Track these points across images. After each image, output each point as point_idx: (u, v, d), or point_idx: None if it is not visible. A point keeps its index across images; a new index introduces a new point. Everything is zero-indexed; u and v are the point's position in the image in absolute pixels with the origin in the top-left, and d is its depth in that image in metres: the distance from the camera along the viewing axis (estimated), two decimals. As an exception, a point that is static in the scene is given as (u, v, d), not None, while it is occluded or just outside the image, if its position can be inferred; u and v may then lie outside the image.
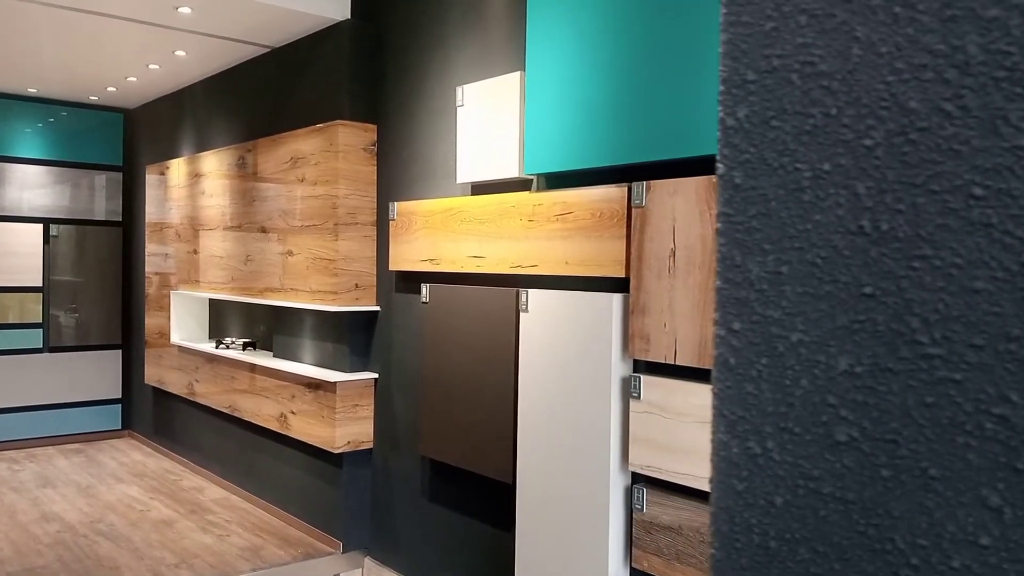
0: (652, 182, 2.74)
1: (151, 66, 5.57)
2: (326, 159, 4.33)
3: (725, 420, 0.49)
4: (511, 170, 3.35)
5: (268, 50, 5.05)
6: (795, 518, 0.46)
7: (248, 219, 5.13)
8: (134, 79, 5.99)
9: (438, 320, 3.71)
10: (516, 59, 3.40)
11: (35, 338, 6.85)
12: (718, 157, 0.50)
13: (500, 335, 3.37)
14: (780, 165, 0.47)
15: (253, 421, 5.06)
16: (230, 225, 5.36)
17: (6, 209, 6.72)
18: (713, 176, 2.60)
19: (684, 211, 2.64)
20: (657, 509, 2.80)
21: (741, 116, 0.49)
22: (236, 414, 5.25)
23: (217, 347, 5.48)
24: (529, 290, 3.22)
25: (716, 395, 0.50)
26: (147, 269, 6.67)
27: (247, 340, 5.41)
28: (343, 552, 4.41)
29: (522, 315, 3.25)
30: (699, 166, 2.69)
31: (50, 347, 6.93)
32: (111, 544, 4.51)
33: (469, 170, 3.57)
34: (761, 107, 0.48)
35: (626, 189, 2.85)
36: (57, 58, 5.48)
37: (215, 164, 5.56)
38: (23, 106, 6.78)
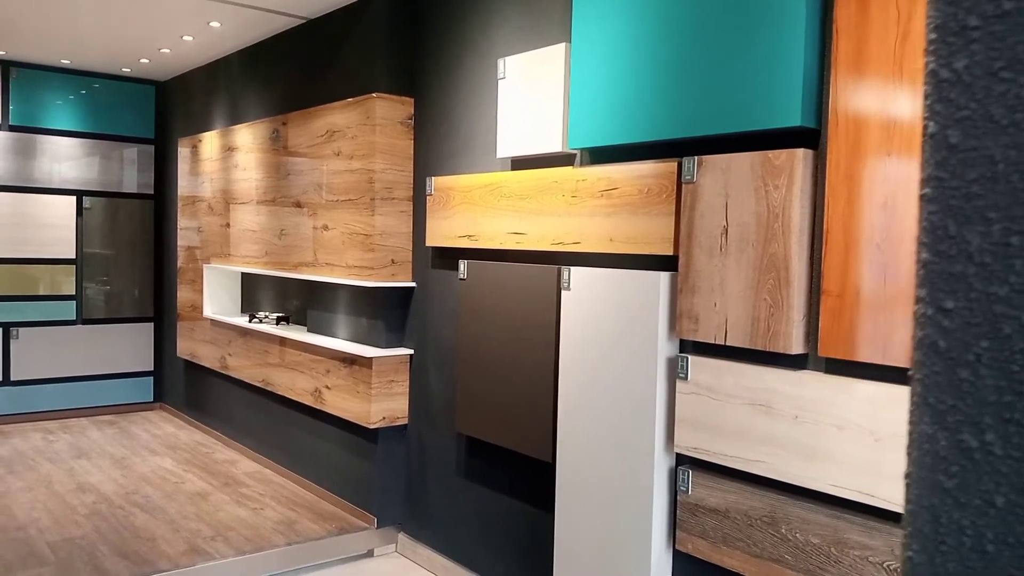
0: (704, 157, 2.67)
1: (185, 37, 5.54)
2: (363, 133, 4.28)
3: (931, 409, 0.44)
4: (554, 145, 3.29)
5: (304, 21, 5.00)
6: (1021, 520, 0.41)
7: (282, 193, 5.10)
8: (167, 51, 5.96)
9: (476, 297, 3.67)
10: (561, 30, 3.33)
11: (68, 310, 6.90)
12: (926, 114, 0.45)
13: (541, 313, 3.33)
14: (1012, 123, 0.42)
15: (287, 395, 5.06)
16: (264, 199, 5.34)
17: (39, 181, 6.75)
18: (769, 152, 2.53)
19: (738, 187, 2.57)
20: (703, 491, 2.75)
21: (959, 67, 0.43)
22: (269, 388, 5.26)
23: (250, 321, 5.49)
24: (571, 267, 3.17)
25: (920, 381, 0.45)
26: (179, 242, 6.68)
27: (280, 314, 5.41)
28: (377, 528, 4.41)
29: (564, 293, 3.20)
30: (751, 141, 2.61)
31: (83, 319, 6.98)
32: (147, 516, 4.55)
33: (510, 145, 3.51)
34: (986, 57, 0.42)
35: (676, 164, 2.78)
36: (91, 29, 5.46)
37: (248, 137, 5.53)
38: (56, 77, 6.79)
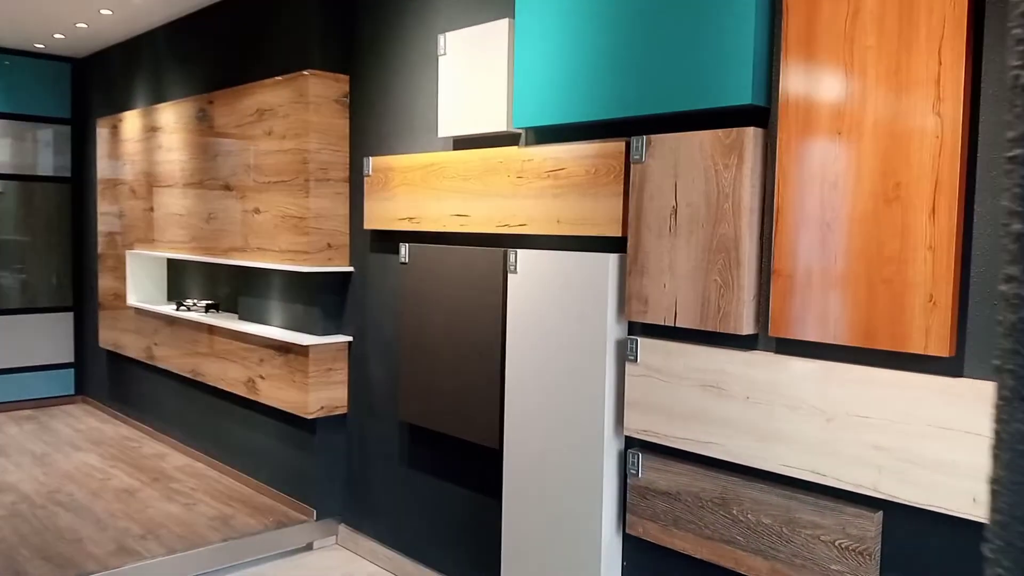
0: (653, 136, 2.62)
1: (103, 11, 5.24)
2: (295, 111, 4.11)
3: (1026, 405, 0.38)
4: (498, 124, 3.20)
5: (230, -4, 4.78)
6: None
7: (210, 175, 4.89)
8: (84, 25, 5.64)
9: (418, 281, 3.57)
10: (504, 4, 3.23)
11: (-20, 300, 6.53)
12: (1016, 61, 0.38)
13: (486, 297, 3.25)
14: None
15: (218, 386, 4.87)
16: (190, 181, 5.11)
17: (-55, 163, 6.35)
18: (719, 131, 2.49)
19: (687, 167, 2.53)
20: (654, 474, 2.73)
21: (1064, 4, 0.37)
22: (199, 379, 5.06)
23: (177, 309, 5.26)
24: (518, 250, 3.10)
25: (1011, 373, 0.39)
26: (99, 228, 6.37)
27: (210, 302, 5.20)
28: (316, 520, 4.29)
29: (510, 276, 3.13)
30: (701, 120, 2.58)
31: (-3, 310, 6.61)
32: (72, 515, 4.33)
33: (452, 124, 3.41)
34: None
35: (624, 144, 2.73)
36: (0, 2, 5.13)
37: (173, 117, 5.28)
38: (-39, 53, 6.38)
